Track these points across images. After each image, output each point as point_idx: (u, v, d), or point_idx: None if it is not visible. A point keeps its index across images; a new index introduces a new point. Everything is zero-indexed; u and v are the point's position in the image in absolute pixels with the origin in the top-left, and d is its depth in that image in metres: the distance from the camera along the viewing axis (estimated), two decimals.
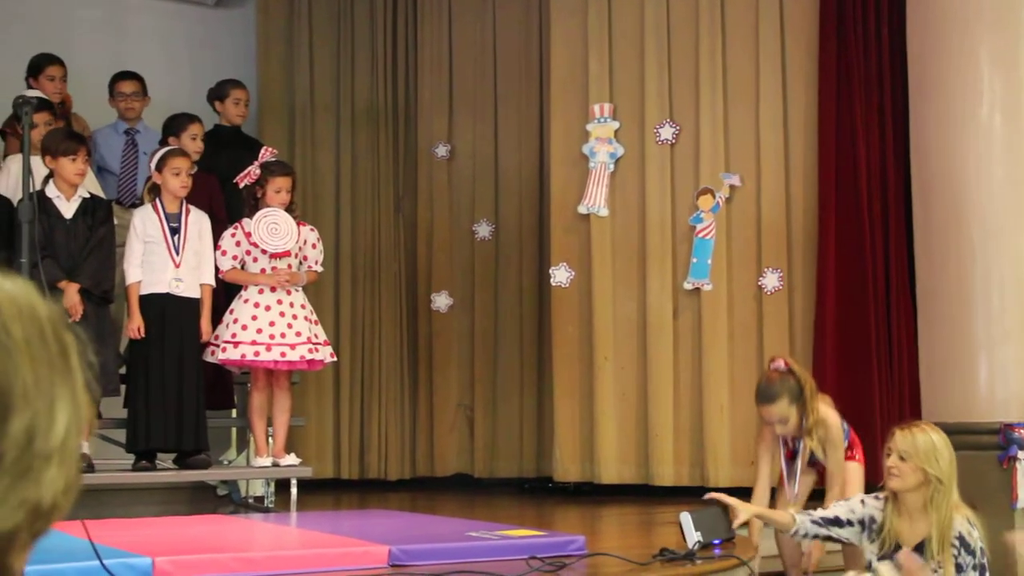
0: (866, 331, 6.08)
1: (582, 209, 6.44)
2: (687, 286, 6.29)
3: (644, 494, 6.18)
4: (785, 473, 4.56)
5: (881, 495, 3.76)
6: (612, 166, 6.44)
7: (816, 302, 6.18)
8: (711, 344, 6.22)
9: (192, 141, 5.82)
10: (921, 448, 3.57)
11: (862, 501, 3.80)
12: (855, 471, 4.54)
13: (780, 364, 4.47)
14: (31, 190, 4.26)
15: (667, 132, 6.37)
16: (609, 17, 6.49)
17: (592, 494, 6.34)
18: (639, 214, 6.39)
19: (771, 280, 6.24)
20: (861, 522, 3.75)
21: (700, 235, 6.30)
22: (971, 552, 3.54)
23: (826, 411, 4.48)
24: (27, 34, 6.70)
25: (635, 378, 6.33)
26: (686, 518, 3.92)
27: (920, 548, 3.57)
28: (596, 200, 6.42)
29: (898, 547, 3.59)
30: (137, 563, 3.30)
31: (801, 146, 6.29)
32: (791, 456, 4.55)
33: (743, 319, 6.25)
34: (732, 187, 6.31)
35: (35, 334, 0.78)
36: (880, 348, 6.09)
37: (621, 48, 6.47)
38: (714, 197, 6.29)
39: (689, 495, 6.19)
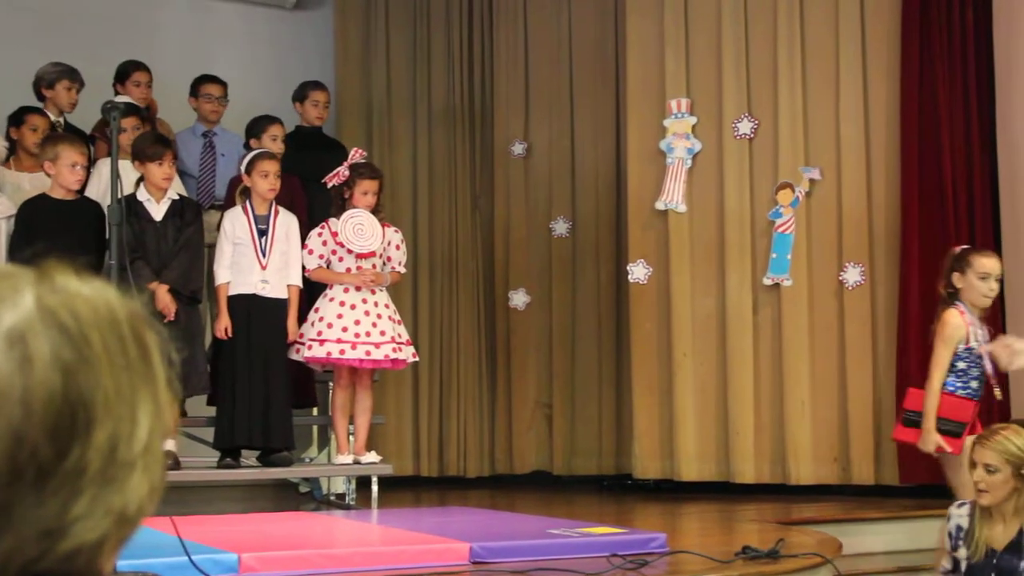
0: None
1: (659, 205, 6.41)
2: (766, 282, 6.22)
3: (724, 491, 6.13)
4: None
5: (966, 501, 3.68)
6: (690, 162, 6.40)
7: (899, 297, 6.07)
8: (791, 340, 6.15)
9: (272, 142, 5.90)
10: (1009, 456, 3.46)
11: (948, 518, 3.70)
12: None
13: None
14: (120, 194, 4.36)
15: (745, 126, 6.31)
16: (685, 11, 6.45)
17: (671, 491, 6.31)
18: (717, 209, 6.33)
19: (852, 275, 6.15)
20: (950, 535, 3.66)
21: (779, 230, 6.23)
22: None
23: None
24: (112, 40, 6.84)
25: (714, 374, 6.28)
26: None
27: (1015, 548, 3.48)
28: (674, 196, 6.39)
29: (992, 551, 3.51)
30: (224, 559, 3.36)
31: (883, 138, 6.19)
32: None
33: (824, 315, 6.17)
34: (812, 181, 6.23)
35: (115, 339, 0.78)
36: None
37: (697, 42, 6.43)
38: (793, 191, 6.22)
39: (770, 493, 6.14)
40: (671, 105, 6.43)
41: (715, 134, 6.36)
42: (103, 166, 5.63)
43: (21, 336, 0.74)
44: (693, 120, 6.41)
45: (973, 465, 3.53)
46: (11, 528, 0.72)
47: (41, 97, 6.15)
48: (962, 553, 3.62)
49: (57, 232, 4.98)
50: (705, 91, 6.40)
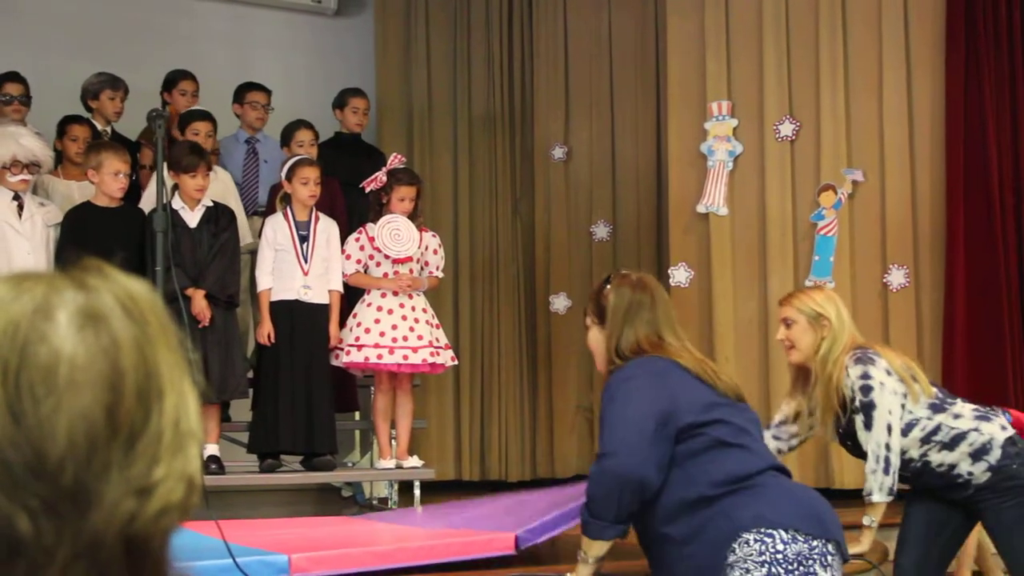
0: (999, 329, 5.88)
1: (701, 208, 6.37)
2: (809, 284, 6.16)
3: None
4: None
5: None
6: (731, 164, 6.36)
7: (945, 300, 6.01)
8: None
9: (300, 148, 5.94)
10: (802, 307, 3.73)
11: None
12: None
13: None
14: (166, 199, 4.41)
15: (787, 128, 6.27)
16: (726, 12, 6.41)
17: None
18: (759, 212, 6.29)
19: (897, 277, 6.09)
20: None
21: (822, 232, 6.18)
22: None
23: None
24: (157, 49, 6.92)
25: (757, 378, 6.24)
26: None
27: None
28: (715, 199, 6.35)
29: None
30: (274, 560, 3.37)
31: (927, 139, 6.12)
32: None
33: (868, 317, 6.10)
34: (855, 183, 6.17)
35: (162, 323, 0.85)
36: (1014, 347, 5.89)
37: (739, 44, 6.39)
38: (836, 193, 6.17)
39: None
40: (712, 108, 6.40)
41: (756, 136, 6.32)
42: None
43: (98, 317, 0.82)
44: (734, 122, 6.37)
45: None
46: (110, 487, 0.79)
47: (89, 108, 6.24)
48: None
49: (101, 239, 5.03)
50: (746, 93, 6.36)
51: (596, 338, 3.13)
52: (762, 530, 2.74)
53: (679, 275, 6.43)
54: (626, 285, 3.15)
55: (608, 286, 3.17)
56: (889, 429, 3.50)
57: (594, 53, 7.28)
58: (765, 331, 6.22)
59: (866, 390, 3.52)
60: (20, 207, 5.33)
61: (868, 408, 3.51)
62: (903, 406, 3.54)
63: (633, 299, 3.09)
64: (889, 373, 3.56)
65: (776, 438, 3.88)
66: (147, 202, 5.58)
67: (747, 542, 2.74)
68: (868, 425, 3.51)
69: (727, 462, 2.86)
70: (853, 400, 3.55)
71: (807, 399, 3.73)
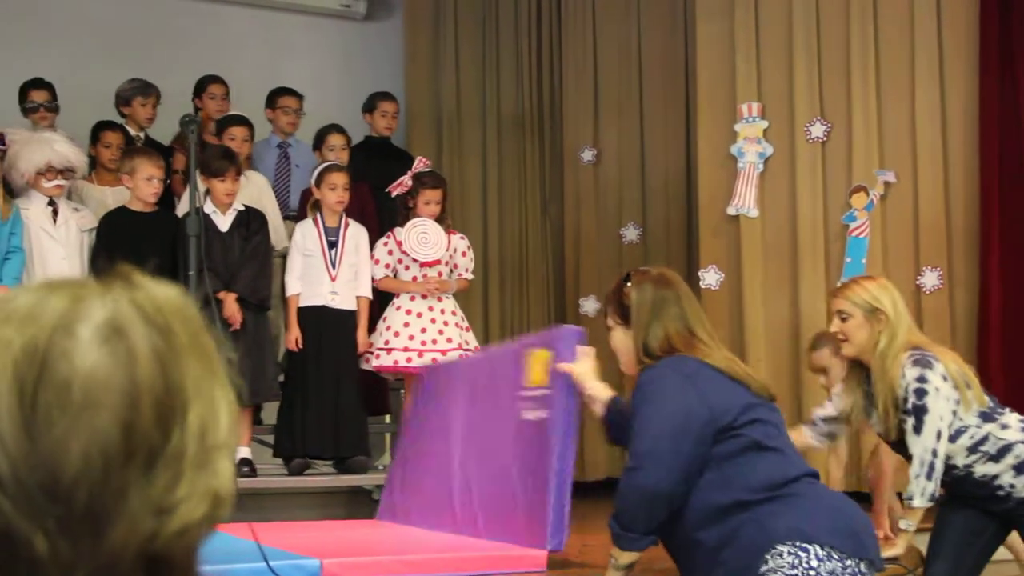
0: None
1: (731, 210, 6.35)
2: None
3: None
4: None
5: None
6: (761, 166, 6.34)
7: (979, 301, 5.96)
8: None
9: (331, 152, 5.97)
10: (858, 300, 3.64)
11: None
12: None
13: None
14: (199, 203, 4.44)
15: (818, 129, 6.23)
16: (756, 13, 6.38)
17: None
18: (790, 214, 6.26)
19: (930, 279, 6.04)
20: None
21: (854, 234, 6.14)
22: None
23: None
24: (188, 55, 6.97)
25: (788, 381, 6.20)
26: None
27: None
28: (745, 201, 6.33)
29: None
30: (306, 564, 3.38)
31: (960, 139, 6.07)
32: None
33: None
34: (887, 184, 6.13)
35: (192, 331, 0.83)
36: None
37: (769, 45, 6.36)
38: (868, 194, 6.13)
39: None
40: (742, 109, 6.37)
41: (787, 138, 6.29)
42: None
43: (119, 330, 0.80)
44: (764, 124, 6.34)
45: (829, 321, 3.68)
46: (128, 507, 0.77)
47: (122, 114, 6.30)
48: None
49: (135, 244, 5.08)
50: (777, 94, 6.33)
51: (621, 339, 3.07)
52: (797, 543, 2.70)
53: (709, 277, 6.41)
54: (648, 281, 3.07)
55: (628, 284, 3.09)
56: (939, 435, 3.44)
57: (623, 54, 7.27)
58: (796, 333, 6.19)
59: (920, 393, 3.46)
60: (55, 212, 5.38)
61: (920, 412, 3.46)
62: (954, 412, 3.49)
63: (657, 295, 3.03)
64: (945, 379, 3.48)
65: (816, 434, 3.83)
66: (184, 208, 5.62)
67: (781, 554, 2.70)
68: (918, 429, 3.45)
69: (764, 466, 2.81)
70: (906, 401, 3.50)
71: (864, 395, 3.66)
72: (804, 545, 2.70)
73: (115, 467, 0.77)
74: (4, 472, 0.75)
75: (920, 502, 3.50)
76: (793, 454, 2.94)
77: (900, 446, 3.62)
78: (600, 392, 3.35)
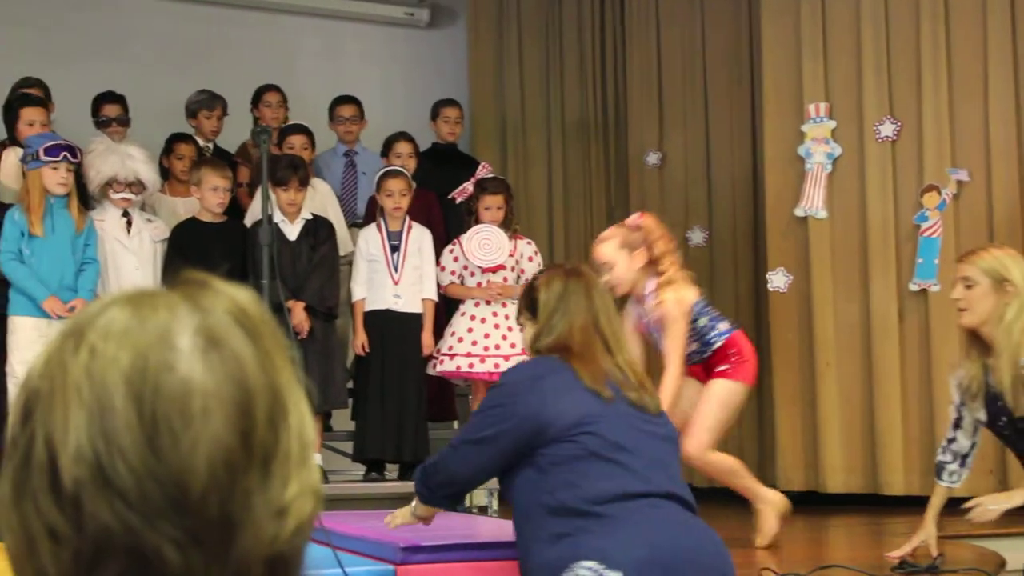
0: None
1: (799, 212, 6.28)
2: (913, 287, 6.04)
3: (872, 504, 5.96)
4: None
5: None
6: (830, 167, 6.26)
7: None
8: (940, 347, 5.94)
9: (397, 160, 6.01)
10: (986, 268, 3.45)
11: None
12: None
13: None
14: (270, 213, 4.51)
15: (887, 129, 6.14)
16: (823, 12, 6.31)
17: (817, 503, 6.16)
18: (859, 215, 6.18)
19: None
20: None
21: (925, 234, 6.05)
22: None
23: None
24: (254, 64, 7.05)
25: (860, 384, 6.13)
26: None
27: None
28: (814, 202, 6.26)
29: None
30: (379, 570, 3.40)
31: None
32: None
33: None
34: (959, 183, 6.03)
35: (275, 334, 0.84)
36: None
37: (836, 44, 6.29)
38: (940, 194, 6.03)
39: (920, 505, 5.93)
40: (809, 109, 6.30)
41: (856, 138, 6.21)
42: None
43: (217, 339, 0.80)
44: (832, 124, 6.27)
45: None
46: (253, 512, 0.78)
47: (191, 126, 6.40)
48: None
49: (205, 253, 5.16)
50: (845, 94, 6.25)
51: (527, 334, 3.03)
52: (601, 567, 2.62)
53: (777, 280, 6.35)
54: (558, 275, 3.02)
55: (539, 278, 3.07)
56: None
57: (687, 57, 7.23)
58: (867, 336, 6.11)
59: None
60: (128, 223, 5.47)
61: None
62: None
63: (565, 288, 2.96)
64: None
65: (949, 482, 3.66)
66: (251, 218, 5.69)
67: (584, 570, 2.65)
68: None
69: (595, 477, 2.74)
70: None
71: (984, 369, 3.46)
72: (608, 571, 2.62)
73: (239, 474, 0.78)
74: (129, 487, 0.75)
75: None
76: (643, 469, 2.80)
77: (1013, 439, 3.45)
78: None
